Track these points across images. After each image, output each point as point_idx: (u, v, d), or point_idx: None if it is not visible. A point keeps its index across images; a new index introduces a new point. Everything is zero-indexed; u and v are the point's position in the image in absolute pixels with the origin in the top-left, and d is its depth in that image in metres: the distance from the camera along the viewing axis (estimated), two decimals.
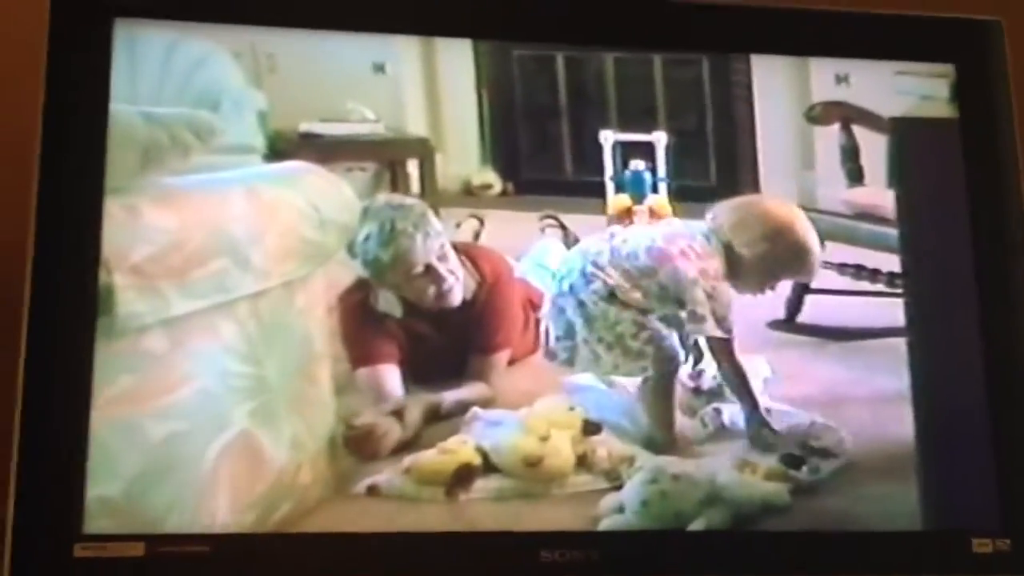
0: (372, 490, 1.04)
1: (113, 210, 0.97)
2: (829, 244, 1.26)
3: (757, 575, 1.04)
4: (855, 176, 1.26)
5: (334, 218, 1.10)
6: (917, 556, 1.06)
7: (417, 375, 1.14)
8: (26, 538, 0.91)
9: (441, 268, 1.16)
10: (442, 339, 1.17)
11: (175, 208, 0.98)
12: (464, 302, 1.17)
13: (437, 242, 1.15)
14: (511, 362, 1.20)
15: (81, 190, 0.97)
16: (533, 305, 1.21)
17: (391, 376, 1.13)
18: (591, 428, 1.11)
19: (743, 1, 1.14)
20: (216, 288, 0.99)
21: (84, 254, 0.95)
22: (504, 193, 1.19)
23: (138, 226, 0.96)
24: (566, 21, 1.13)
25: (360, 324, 1.13)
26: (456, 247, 1.18)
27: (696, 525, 1.06)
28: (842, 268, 1.24)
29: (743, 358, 1.16)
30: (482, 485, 1.06)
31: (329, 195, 1.10)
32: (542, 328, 1.19)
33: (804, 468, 1.11)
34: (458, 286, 1.17)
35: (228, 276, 1.00)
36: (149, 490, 0.94)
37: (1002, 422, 1.09)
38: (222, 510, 0.97)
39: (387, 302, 1.15)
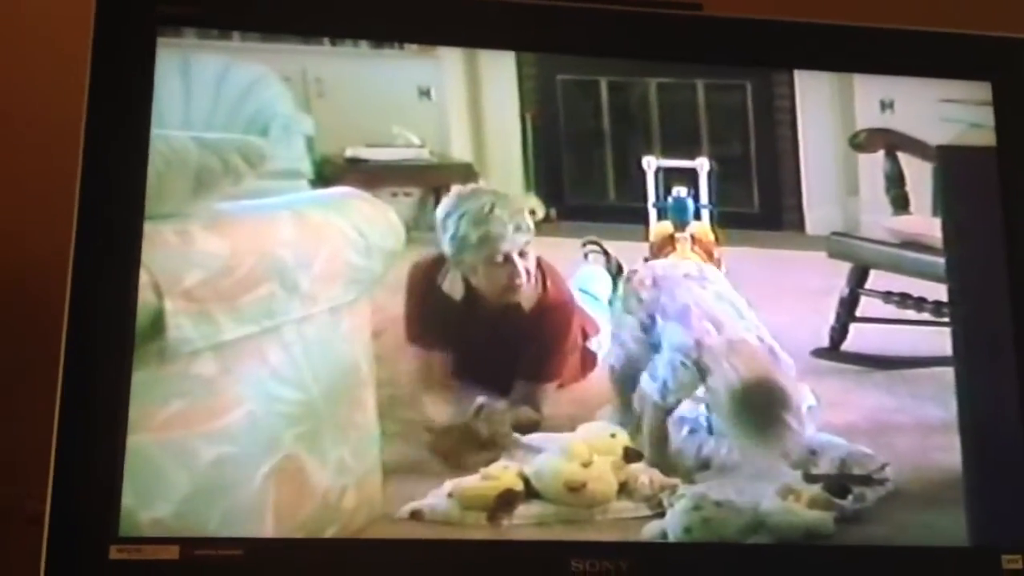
0: (415, 515, 1.05)
1: (166, 235, 0.98)
2: (873, 272, 1.26)
3: None
4: (900, 204, 1.25)
5: (379, 244, 1.11)
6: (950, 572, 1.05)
7: (463, 367, 1.14)
8: (62, 540, 0.92)
9: (520, 263, 1.16)
10: (495, 336, 1.16)
11: (226, 233, 1.00)
12: (522, 307, 1.17)
13: (524, 238, 1.15)
14: (559, 386, 1.20)
15: (123, 213, 0.99)
16: (584, 333, 1.22)
17: (439, 361, 1.13)
18: (633, 455, 1.11)
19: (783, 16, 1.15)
20: (264, 313, 1.00)
21: (125, 278, 0.97)
22: (547, 219, 1.19)
23: (190, 251, 0.98)
24: (609, 35, 1.13)
25: (421, 299, 1.13)
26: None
27: None
28: (887, 296, 1.23)
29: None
30: (524, 511, 1.06)
31: (375, 221, 1.11)
32: (597, 357, 1.19)
33: (849, 497, 1.10)
34: (528, 287, 1.17)
35: (276, 300, 1.01)
36: (198, 511, 0.95)
37: None
38: (268, 533, 0.97)
39: (452, 283, 1.15)
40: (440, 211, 1.16)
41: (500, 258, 1.16)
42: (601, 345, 1.20)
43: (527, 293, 1.17)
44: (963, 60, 1.16)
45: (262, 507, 0.97)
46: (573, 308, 1.20)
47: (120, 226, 0.99)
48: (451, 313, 1.16)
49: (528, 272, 1.17)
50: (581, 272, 1.25)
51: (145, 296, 0.96)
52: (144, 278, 0.96)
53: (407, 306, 1.12)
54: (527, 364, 1.16)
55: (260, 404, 0.99)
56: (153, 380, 0.95)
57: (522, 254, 1.16)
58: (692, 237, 1.23)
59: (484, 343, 1.16)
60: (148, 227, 0.98)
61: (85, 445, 0.94)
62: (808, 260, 1.24)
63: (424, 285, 1.15)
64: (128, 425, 0.95)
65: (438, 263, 1.16)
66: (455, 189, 1.16)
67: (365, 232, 1.09)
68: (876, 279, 1.25)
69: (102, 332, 0.97)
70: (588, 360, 1.20)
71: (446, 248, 1.16)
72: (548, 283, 1.18)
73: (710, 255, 1.23)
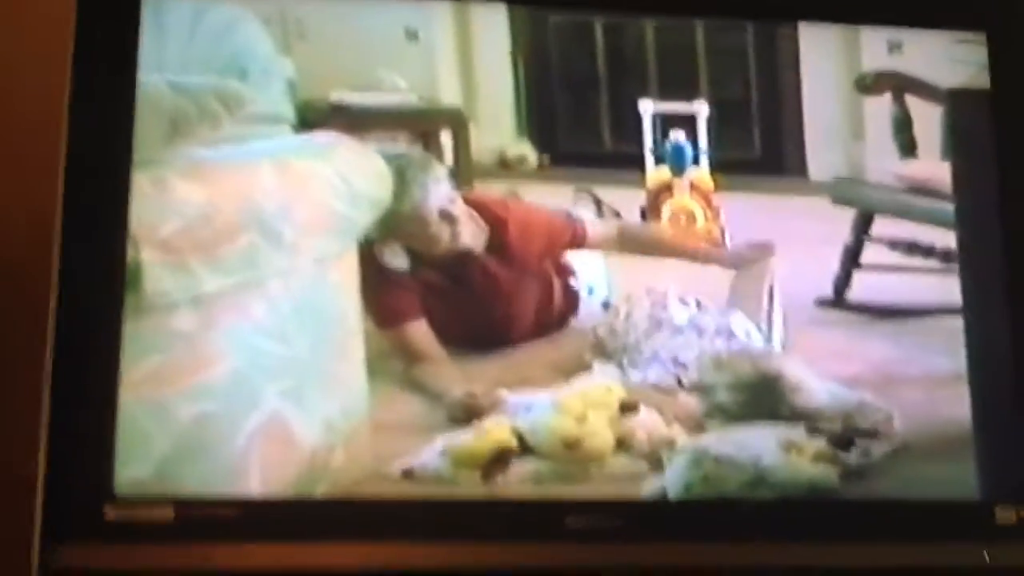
0: (407, 473, 1.01)
1: (141, 183, 0.94)
2: (879, 219, 1.22)
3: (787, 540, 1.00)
4: (908, 148, 1.21)
5: (366, 191, 1.06)
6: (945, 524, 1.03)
7: (446, 332, 1.10)
8: (57, 500, 0.90)
9: (454, 210, 1.12)
10: (460, 291, 1.13)
11: (204, 181, 0.95)
12: (474, 253, 1.13)
13: (445, 186, 1.11)
14: (540, 338, 1.16)
15: (109, 162, 0.95)
16: (563, 270, 1.17)
17: (420, 332, 1.10)
18: (628, 407, 1.08)
19: None
20: (246, 264, 0.96)
21: (112, 228, 0.93)
22: (540, 165, 1.15)
23: (167, 200, 0.94)
24: None
25: (375, 283, 1.09)
26: (467, 199, 1.14)
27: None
28: (893, 244, 1.19)
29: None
30: (519, 468, 1.03)
31: (361, 167, 1.06)
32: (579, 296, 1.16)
33: (853, 450, 1.07)
34: (466, 230, 1.13)
35: (258, 251, 0.97)
36: (180, 471, 0.92)
37: None
38: (255, 492, 0.94)
39: (393, 255, 1.11)
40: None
41: (435, 216, 1.11)
42: (583, 285, 1.16)
43: (476, 240, 1.13)
44: (958, 10, 1.12)
45: (247, 466, 0.94)
46: (538, 256, 1.16)
47: (105, 176, 0.95)
48: (409, 282, 1.12)
49: (462, 216, 1.12)
50: None
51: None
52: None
53: (363, 297, 1.07)
54: (503, 314, 1.12)
55: (243, 359, 0.95)
56: (131, 335, 0.92)
57: (451, 200, 1.12)
58: (691, 184, 1.19)
59: (458, 300, 1.13)
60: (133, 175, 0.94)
61: (76, 404, 0.92)
62: (811, 206, 1.20)
63: (370, 269, 1.11)
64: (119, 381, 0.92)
65: (367, 244, 1.10)
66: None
67: (350, 179, 1.04)
68: (882, 226, 1.21)
69: (90, 287, 0.93)
70: (570, 300, 1.16)
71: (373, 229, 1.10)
72: (489, 215, 1.14)
73: (708, 202, 1.19)
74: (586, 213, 1.19)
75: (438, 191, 1.11)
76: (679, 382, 1.11)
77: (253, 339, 0.96)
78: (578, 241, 1.19)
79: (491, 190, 1.16)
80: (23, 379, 0.94)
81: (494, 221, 1.14)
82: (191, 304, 0.93)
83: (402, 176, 1.09)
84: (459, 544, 0.95)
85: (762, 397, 1.08)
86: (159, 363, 0.92)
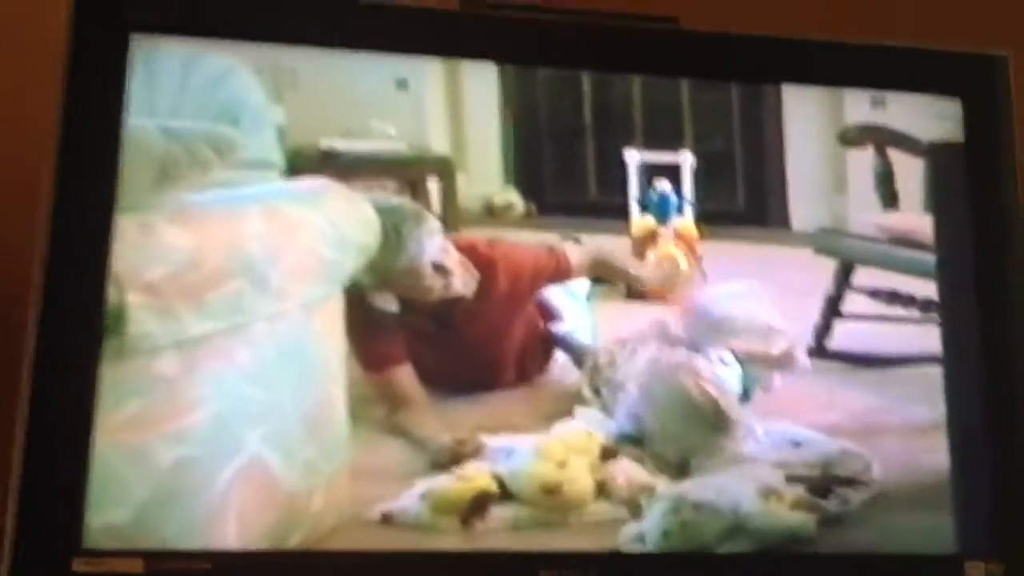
0: (386, 518, 1.02)
1: (128, 228, 0.95)
2: (860, 268, 1.23)
3: None
4: (890, 200, 1.22)
5: (354, 237, 1.08)
6: None
7: (430, 376, 1.11)
8: (26, 552, 0.90)
9: (448, 262, 1.13)
10: (447, 336, 1.14)
11: (192, 226, 0.97)
12: (464, 298, 1.14)
13: (438, 238, 1.13)
14: (523, 383, 1.17)
15: (94, 207, 0.96)
16: (545, 315, 1.18)
17: (406, 377, 1.11)
18: (609, 453, 1.08)
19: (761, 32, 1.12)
20: (232, 309, 0.97)
21: (95, 272, 0.94)
22: (527, 214, 1.17)
23: (153, 244, 0.95)
24: (591, 48, 1.10)
25: (363, 326, 1.10)
26: (457, 244, 1.15)
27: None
28: (875, 294, 1.21)
29: None
30: (498, 514, 1.04)
31: (349, 214, 1.08)
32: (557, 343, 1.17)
33: (832, 498, 1.07)
34: (458, 280, 1.14)
35: (245, 297, 0.98)
36: (157, 517, 0.92)
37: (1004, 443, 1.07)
38: (232, 537, 0.95)
39: (384, 299, 1.12)
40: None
41: (430, 270, 1.13)
42: (567, 330, 1.17)
43: (467, 287, 1.14)
44: (934, 77, 1.14)
45: (225, 511, 0.94)
46: (525, 295, 1.17)
47: (89, 220, 0.96)
48: (397, 327, 1.13)
49: (455, 267, 1.13)
50: None
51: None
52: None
53: (350, 340, 1.07)
54: (489, 358, 1.13)
55: (225, 404, 0.96)
56: (111, 379, 0.92)
57: (444, 252, 1.13)
58: (675, 232, 1.21)
59: (438, 346, 1.14)
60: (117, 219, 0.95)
61: (50, 453, 0.92)
62: (794, 257, 1.21)
63: (359, 312, 1.12)
64: (94, 437, 0.93)
65: (357, 290, 1.11)
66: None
67: (339, 225, 1.06)
68: (863, 276, 1.22)
69: (70, 331, 0.94)
70: (553, 345, 1.17)
71: (363, 280, 1.11)
72: (481, 260, 1.15)
73: (693, 251, 1.20)
74: (568, 245, 1.21)
75: (432, 244, 1.13)
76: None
77: (236, 384, 0.97)
78: (563, 271, 1.20)
79: (478, 235, 1.17)
80: None
81: (483, 264, 1.16)
82: (175, 348, 0.93)
83: (397, 231, 1.11)
84: None
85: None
86: (140, 407, 0.92)
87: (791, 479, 1.08)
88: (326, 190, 1.08)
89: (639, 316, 1.19)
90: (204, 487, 0.94)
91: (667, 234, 1.20)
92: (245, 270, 0.98)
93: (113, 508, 0.91)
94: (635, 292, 1.22)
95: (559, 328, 1.19)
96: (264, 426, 0.98)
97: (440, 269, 1.13)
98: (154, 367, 0.92)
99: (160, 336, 0.93)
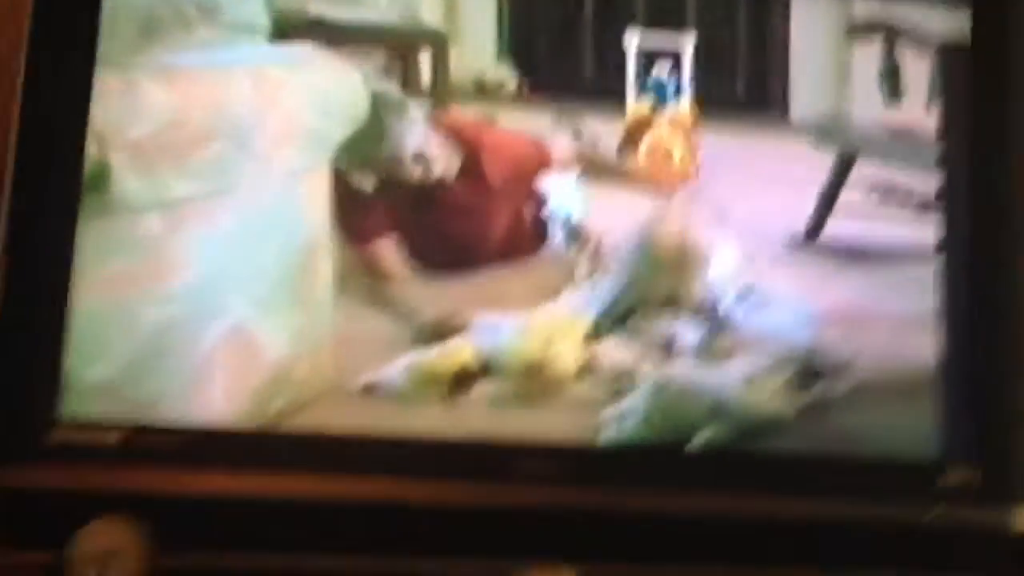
0: (369, 389, 1.02)
1: (111, 84, 0.93)
2: (859, 162, 1.21)
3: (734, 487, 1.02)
4: (894, 95, 1.20)
5: (340, 107, 1.06)
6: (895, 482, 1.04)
7: (415, 252, 1.10)
8: (5, 421, 0.91)
9: (428, 151, 1.11)
10: (429, 214, 1.13)
11: (175, 85, 0.95)
12: (444, 180, 1.12)
13: (420, 127, 1.11)
14: (510, 262, 1.16)
15: (75, 60, 0.94)
16: (539, 197, 1.17)
17: (388, 251, 1.10)
18: (594, 335, 1.08)
19: None
20: (216, 171, 0.96)
21: (75, 127, 0.93)
22: (519, 91, 1.14)
23: (136, 102, 0.93)
24: None
25: (346, 201, 1.08)
26: (442, 123, 1.13)
27: (698, 439, 1.04)
28: (871, 188, 1.19)
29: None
30: (481, 389, 1.04)
31: (337, 83, 1.06)
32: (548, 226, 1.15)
33: (814, 386, 1.08)
34: (438, 166, 1.12)
35: (228, 160, 0.97)
36: (141, 375, 0.92)
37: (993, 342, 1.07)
38: (216, 401, 0.95)
39: (364, 180, 1.10)
40: None
41: (411, 158, 1.11)
42: (558, 212, 1.16)
43: (449, 167, 1.12)
44: None
45: (209, 373, 0.95)
46: (509, 181, 1.16)
47: (69, 74, 0.94)
48: (380, 204, 1.12)
49: (436, 153, 1.12)
50: None
51: (89, 147, 0.92)
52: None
53: (333, 213, 1.06)
54: (473, 236, 1.12)
55: (209, 267, 0.96)
56: (95, 236, 0.92)
57: (425, 139, 1.11)
58: (670, 119, 1.18)
59: (421, 223, 1.13)
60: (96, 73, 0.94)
61: (27, 319, 0.92)
62: (792, 148, 1.19)
63: (342, 189, 1.10)
64: (71, 292, 0.92)
65: (340, 172, 1.09)
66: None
67: (325, 93, 1.04)
68: (861, 170, 1.20)
69: (49, 186, 0.93)
70: (542, 227, 1.16)
71: (344, 156, 1.09)
72: (466, 140, 1.13)
73: (687, 138, 1.18)
74: (557, 138, 1.18)
75: (414, 134, 1.11)
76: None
77: (220, 248, 0.96)
78: (544, 164, 1.18)
79: (467, 113, 1.15)
80: None
81: (468, 146, 1.14)
82: (158, 208, 0.93)
83: (378, 118, 1.09)
84: (411, 479, 0.97)
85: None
86: (124, 265, 0.92)
87: (774, 367, 1.09)
88: (313, 57, 1.06)
89: (629, 203, 1.17)
90: (187, 348, 0.94)
91: (662, 121, 1.18)
92: (229, 132, 0.97)
93: (97, 364, 0.91)
94: (625, 180, 1.20)
95: (549, 211, 1.17)
96: (248, 292, 0.98)
97: (420, 158, 1.11)
98: (138, 226, 0.92)
99: (143, 195, 0.92)
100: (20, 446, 0.92)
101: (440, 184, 1.12)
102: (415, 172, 1.11)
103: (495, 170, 1.15)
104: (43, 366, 0.92)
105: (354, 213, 1.09)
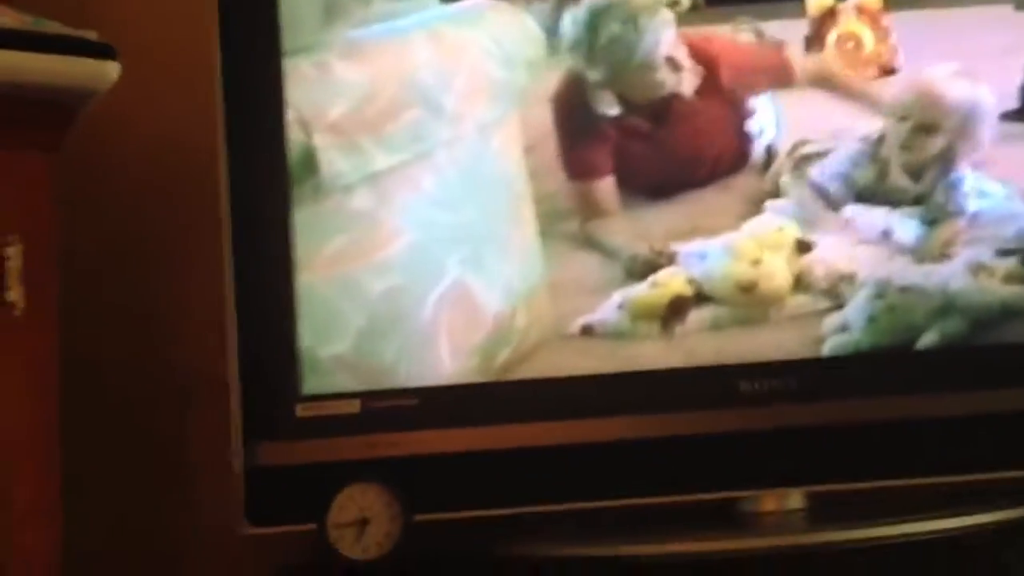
0: (587, 330, 1.03)
1: (304, 69, 0.96)
2: None
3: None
4: None
5: (519, 53, 1.05)
6: None
7: (629, 182, 1.08)
8: (253, 403, 0.97)
9: (680, 57, 1.09)
10: (658, 135, 1.10)
11: (364, 61, 0.97)
12: (679, 95, 1.10)
13: (671, 31, 1.08)
14: (713, 182, 1.13)
15: (262, 50, 0.97)
16: (748, 111, 1.13)
17: (607, 190, 1.08)
18: (804, 246, 1.05)
19: None
20: (413, 139, 0.98)
21: (275, 117, 0.96)
22: (694, 5, 1.10)
23: (331, 82, 0.96)
24: None
25: (575, 130, 1.07)
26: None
27: (928, 338, 1.00)
28: None
29: None
30: (697, 316, 1.03)
31: (511, 30, 1.05)
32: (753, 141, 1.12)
33: None
34: (688, 76, 1.10)
35: (422, 125, 0.98)
36: (376, 344, 0.96)
37: None
38: (445, 360, 0.98)
39: (606, 102, 1.09)
40: (572, 26, 1.08)
41: (662, 62, 1.08)
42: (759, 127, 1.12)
43: (685, 89, 1.09)
44: None
45: (436, 334, 0.98)
46: (742, 94, 1.12)
47: (260, 66, 0.97)
48: (610, 131, 1.10)
49: (683, 66, 1.09)
50: None
51: (293, 133, 0.96)
52: (290, 115, 0.96)
53: (560, 142, 1.06)
54: (693, 158, 1.09)
55: (421, 232, 0.98)
56: (312, 219, 0.95)
57: (676, 46, 1.08)
58: (856, 6, 1.12)
59: (646, 148, 1.10)
60: (286, 63, 0.97)
61: (260, 304, 0.97)
62: (992, 14, 1.11)
63: (576, 113, 1.09)
64: (295, 269, 0.97)
65: (579, 85, 1.08)
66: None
67: (502, 43, 1.03)
68: None
69: (259, 180, 0.97)
70: (745, 142, 1.12)
71: (595, 76, 1.08)
72: (704, 54, 1.09)
73: (877, 23, 1.12)
74: (790, 47, 1.13)
75: (667, 36, 1.08)
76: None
77: (427, 211, 0.99)
78: (785, 76, 1.13)
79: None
80: (205, 281, 1.00)
81: (706, 60, 1.10)
82: (366, 183, 0.96)
83: (634, 22, 1.06)
84: (638, 415, 0.98)
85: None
86: (344, 243, 0.96)
87: (1001, 252, 1.03)
88: (485, 8, 1.05)
89: (832, 108, 1.12)
90: (414, 313, 0.97)
91: (847, 9, 1.12)
92: (419, 98, 0.98)
93: (335, 339, 0.96)
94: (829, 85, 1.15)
95: (751, 123, 1.13)
96: (460, 250, 1.00)
97: (672, 63, 1.08)
98: (350, 203, 0.95)
99: (351, 173, 0.95)
100: (270, 425, 0.97)
101: (676, 99, 1.09)
102: (667, 78, 1.08)
103: (732, 83, 1.11)
104: (282, 350, 0.97)
105: (580, 147, 1.07)
